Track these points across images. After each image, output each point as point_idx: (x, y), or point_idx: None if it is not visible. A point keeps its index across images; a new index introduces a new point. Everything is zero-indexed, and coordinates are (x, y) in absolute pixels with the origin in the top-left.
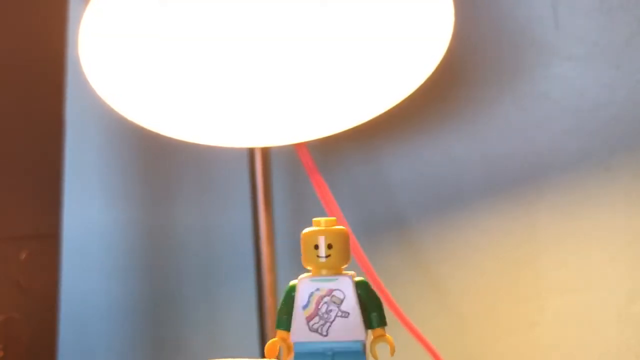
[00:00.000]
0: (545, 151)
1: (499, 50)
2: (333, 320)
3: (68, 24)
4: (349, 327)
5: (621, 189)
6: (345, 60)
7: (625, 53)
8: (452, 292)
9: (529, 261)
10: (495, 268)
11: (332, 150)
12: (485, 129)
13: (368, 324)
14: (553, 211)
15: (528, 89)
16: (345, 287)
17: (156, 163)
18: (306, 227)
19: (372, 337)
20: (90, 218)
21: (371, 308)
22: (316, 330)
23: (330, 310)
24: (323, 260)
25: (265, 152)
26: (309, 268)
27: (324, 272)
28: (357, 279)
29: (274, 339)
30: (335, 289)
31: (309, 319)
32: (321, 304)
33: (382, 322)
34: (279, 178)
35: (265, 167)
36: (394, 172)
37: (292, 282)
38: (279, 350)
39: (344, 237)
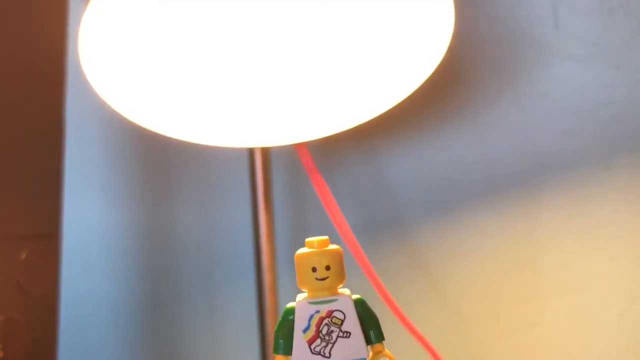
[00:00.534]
0: (545, 151)
1: (499, 50)
2: (335, 341)
3: (68, 24)
4: (351, 346)
5: (621, 189)
6: (345, 60)
7: (625, 53)
8: (452, 292)
9: (529, 261)
10: (495, 268)
11: (332, 150)
12: (485, 129)
13: (367, 341)
14: (553, 211)
15: (528, 89)
16: (346, 307)
17: (156, 163)
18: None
19: (371, 353)
20: (90, 218)
21: (369, 325)
22: (319, 353)
23: (332, 332)
24: (322, 282)
25: (265, 152)
26: (304, 290)
27: (321, 293)
28: (354, 297)
29: None
30: (335, 310)
31: (310, 342)
32: (322, 325)
33: (381, 338)
34: (279, 178)
35: (265, 167)
36: (394, 172)
37: (289, 305)
38: None
39: (340, 257)
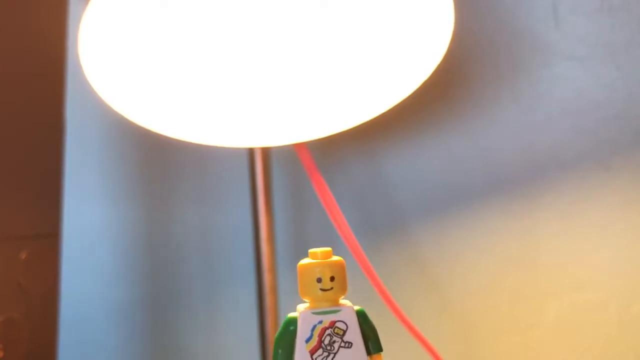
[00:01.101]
0: (545, 151)
1: (499, 50)
2: (337, 352)
3: (68, 24)
4: (352, 357)
5: (621, 189)
6: (345, 60)
7: (625, 53)
8: (452, 292)
9: (529, 261)
10: (495, 268)
11: (332, 150)
12: (485, 128)
13: (366, 351)
14: (553, 211)
15: (528, 89)
16: (348, 318)
17: (156, 163)
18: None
19: None
20: (90, 218)
21: (368, 335)
22: None
23: (334, 342)
24: (326, 293)
25: (265, 152)
26: (306, 300)
27: (324, 304)
28: (356, 308)
29: None
30: (338, 320)
31: (312, 352)
32: (324, 336)
33: (379, 348)
34: (279, 178)
35: (265, 167)
36: (394, 172)
37: (291, 315)
38: None
39: (344, 268)
